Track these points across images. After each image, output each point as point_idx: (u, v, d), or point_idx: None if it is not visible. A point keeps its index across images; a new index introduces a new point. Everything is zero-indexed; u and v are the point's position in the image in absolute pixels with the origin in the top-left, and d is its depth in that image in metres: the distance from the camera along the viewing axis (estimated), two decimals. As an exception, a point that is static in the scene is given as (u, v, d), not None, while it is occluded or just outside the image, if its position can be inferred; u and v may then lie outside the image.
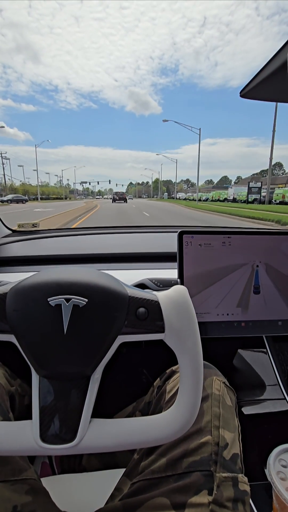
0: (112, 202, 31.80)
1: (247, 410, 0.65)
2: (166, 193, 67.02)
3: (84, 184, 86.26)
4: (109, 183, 79.47)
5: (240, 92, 0.49)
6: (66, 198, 64.60)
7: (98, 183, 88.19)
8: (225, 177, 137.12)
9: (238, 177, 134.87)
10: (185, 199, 48.57)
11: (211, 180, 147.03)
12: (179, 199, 53.58)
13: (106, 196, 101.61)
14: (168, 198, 62.21)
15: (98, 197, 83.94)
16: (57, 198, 58.94)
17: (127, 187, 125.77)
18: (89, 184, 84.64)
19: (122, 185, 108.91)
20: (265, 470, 0.58)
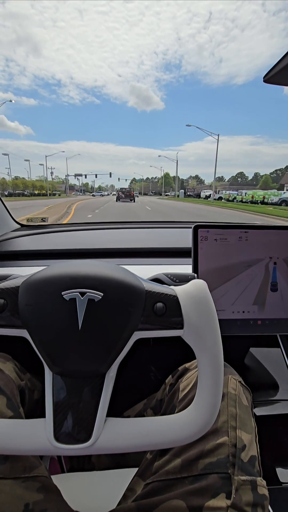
0: (116, 200, 26.08)
1: (260, 411, 0.63)
2: (182, 190, 52.27)
3: (79, 177, 72.49)
4: (110, 176, 64.31)
5: (264, 77, 0.48)
6: (55, 195, 49.93)
7: (96, 176, 73.78)
8: (241, 173, 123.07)
9: (256, 173, 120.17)
10: (219, 198, 33.92)
11: (222, 177, 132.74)
12: (205, 198, 38.94)
13: (95, 193, 63.35)
14: (185, 196, 47.48)
15: (96, 193, 66.72)
16: (38, 195, 44.38)
17: (130, 183, 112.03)
18: (85, 177, 70.53)
19: (126, 179, 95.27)
20: (277, 472, 0.59)
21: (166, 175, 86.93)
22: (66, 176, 69.89)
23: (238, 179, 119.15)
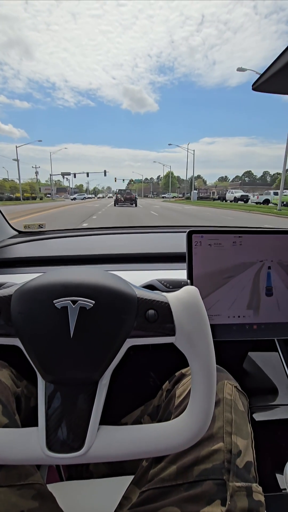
0: (115, 204, 21.51)
1: (258, 416, 0.62)
2: (195, 191, 41.99)
3: (68, 177, 61.67)
4: (105, 175, 52.06)
5: (253, 85, 0.47)
6: (35, 199, 39.43)
7: (87, 175, 62.15)
8: (249, 172, 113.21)
9: (265, 172, 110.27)
10: (264, 201, 23.57)
11: (225, 176, 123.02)
12: (233, 201, 28.56)
13: (76, 196, 51.04)
14: (199, 199, 37.08)
15: (78, 196, 50.59)
16: (10, 199, 33.88)
17: (128, 183, 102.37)
18: (74, 176, 59.65)
19: (123, 180, 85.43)
20: (277, 478, 0.58)
21: (169, 174, 76.97)
22: (50, 175, 58.12)
23: (246, 178, 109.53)
